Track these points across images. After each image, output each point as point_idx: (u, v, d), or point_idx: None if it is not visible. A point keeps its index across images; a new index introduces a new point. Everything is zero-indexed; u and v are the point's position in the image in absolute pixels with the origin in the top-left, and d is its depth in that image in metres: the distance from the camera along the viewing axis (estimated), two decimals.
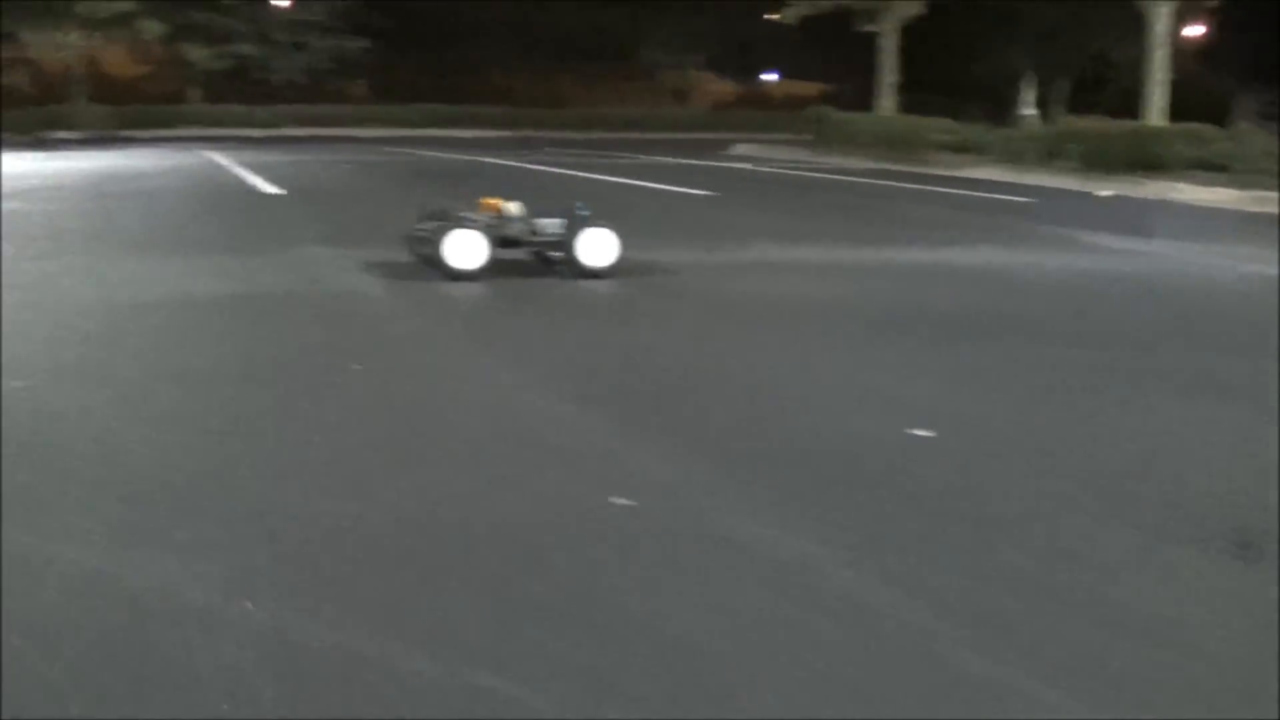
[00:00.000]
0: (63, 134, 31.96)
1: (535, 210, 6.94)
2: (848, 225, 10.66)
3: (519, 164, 19.68)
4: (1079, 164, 18.29)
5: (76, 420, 3.65)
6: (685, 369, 4.65)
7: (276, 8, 38.99)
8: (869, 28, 26.56)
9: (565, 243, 6.72)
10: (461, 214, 6.78)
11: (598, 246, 6.74)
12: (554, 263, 6.85)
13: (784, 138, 28.34)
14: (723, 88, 49.58)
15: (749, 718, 1.92)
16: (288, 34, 38.80)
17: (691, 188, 14.54)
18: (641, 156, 23.23)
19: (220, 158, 20.20)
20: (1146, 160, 17.56)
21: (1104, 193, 15.85)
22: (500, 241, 6.75)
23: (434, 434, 3.59)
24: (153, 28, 36.54)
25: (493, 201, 6.95)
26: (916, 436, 3.58)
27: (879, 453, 3.42)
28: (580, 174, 17.15)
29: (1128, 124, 19.52)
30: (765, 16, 41.70)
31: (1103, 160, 18.00)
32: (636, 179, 15.88)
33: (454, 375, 4.46)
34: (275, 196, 12.54)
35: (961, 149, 21.72)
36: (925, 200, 13.91)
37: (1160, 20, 20.36)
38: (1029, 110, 37.23)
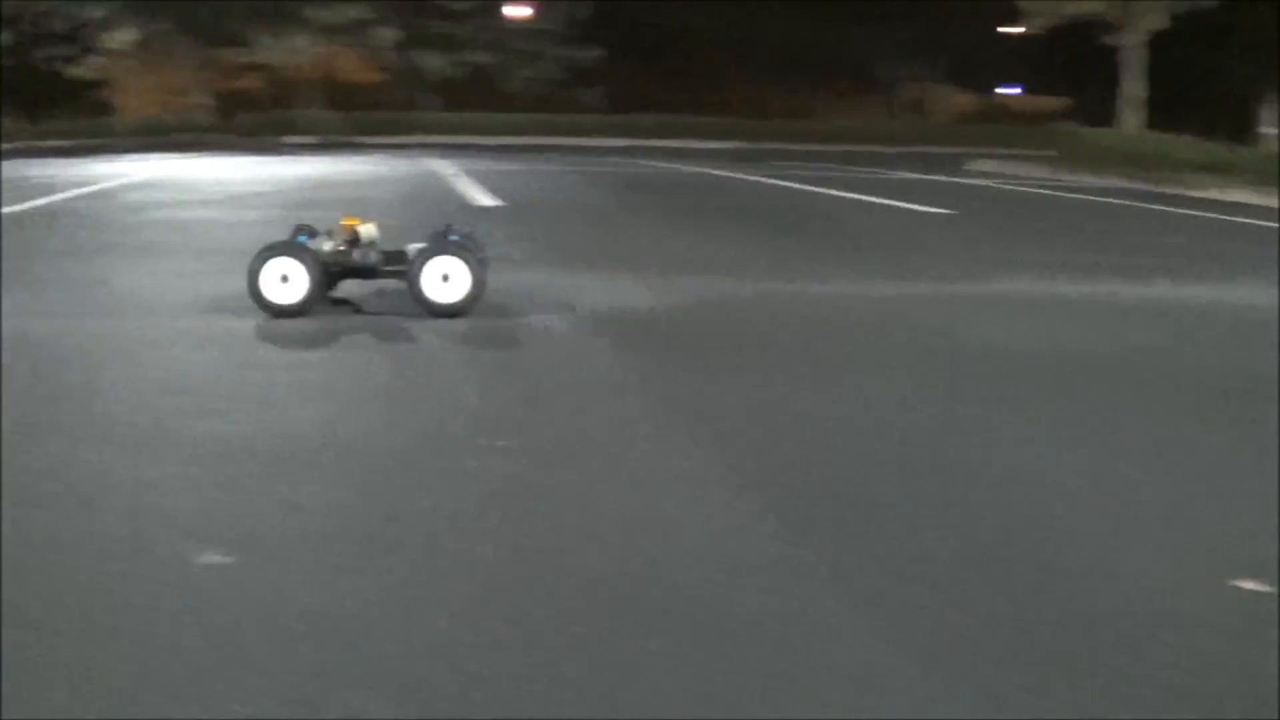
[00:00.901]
0: (294, 139, 32.26)
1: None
2: (1101, 253, 9.36)
3: (745, 176, 18.72)
4: None
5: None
6: (935, 456, 3.32)
7: (512, 16, 38.91)
8: (1113, 40, 24.87)
9: (409, 273, 5.52)
10: (296, 238, 5.71)
11: (447, 277, 5.48)
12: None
13: (1025, 153, 26.99)
14: (961, 101, 47.94)
15: None
16: (523, 43, 38.67)
17: (928, 205, 13.33)
18: (877, 171, 22.06)
19: (444, 166, 19.74)
20: None
21: None
22: (341, 271, 5.68)
23: None
24: (388, 35, 36.78)
25: (350, 222, 5.84)
26: None
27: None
28: (808, 188, 16.06)
29: None
30: (1000, 30, 40.16)
31: None
32: (870, 195, 14.69)
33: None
34: (490, 210, 11.78)
35: (1211, 169, 20.07)
36: (1180, 225, 12.54)
37: None
38: (1271, 129, 34.86)
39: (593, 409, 3.83)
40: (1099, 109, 33.45)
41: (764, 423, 3.65)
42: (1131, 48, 24.54)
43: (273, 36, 35.86)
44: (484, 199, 12.75)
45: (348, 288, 5.82)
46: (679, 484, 2.99)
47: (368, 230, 5.75)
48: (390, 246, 5.73)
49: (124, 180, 16.42)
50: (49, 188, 14.31)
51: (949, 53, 43.39)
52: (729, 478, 3.05)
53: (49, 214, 11.08)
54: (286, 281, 5.38)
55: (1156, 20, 24.25)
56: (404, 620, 2.13)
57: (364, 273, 5.70)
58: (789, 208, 13.14)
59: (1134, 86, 24.73)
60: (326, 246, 5.64)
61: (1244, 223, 12.99)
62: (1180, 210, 14.47)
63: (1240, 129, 33.88)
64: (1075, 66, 40.77)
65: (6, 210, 11.19)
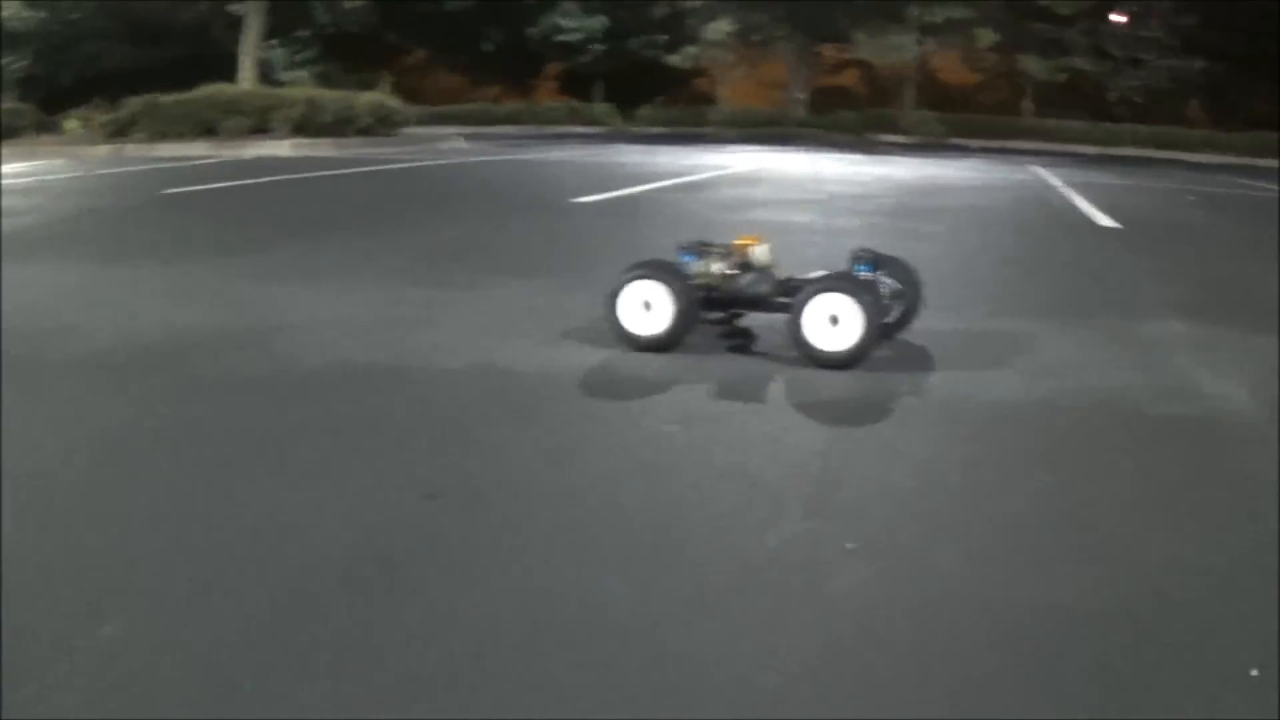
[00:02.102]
0: (889, 138, 31.62)
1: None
2: None
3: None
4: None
5: None
6: None
7: (1116, 22, 36.64)
8: None
9: (791, 309, 4.37)
10: (684, 255, 4.74)
11: (836, 319, 4.29)
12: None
13: None
14: None
15: None
16: (1125, 49, 36.33)
17: None
18: None
19: (1047, 175, 18.33)
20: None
21: None
22: (724, 299, 4.69)
23: None
24: (988, 36, 35.49)
25: (744, 241, 4.71)
26: None
27: None
28: None
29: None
30: None
31: None
32: None
33: None
34: (1110, 230, 10.39)
35: None
36: None
37: None
38: None
39: None
40: None
41: None
42: None
43: (873, 34, 35.32)
44: (1100, 218, 11.33)
45: (754, 318, 4.83)
46: None
47: (761, 252, 4.74)
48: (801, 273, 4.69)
49: (721, 172, 16.13)
50: (639, 176, 14.15)
51: None
52: None
53: (629, 206, 10.73)
54: (650, 309, 4.48)
55: None
56: None
57: (751, 304, 4.72)
58: None
59: None
60: (715, 268, 4.69)
61: None
62: None
63: None
64: None
65: (589, 199, 10.95)
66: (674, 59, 40.01)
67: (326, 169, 14.47)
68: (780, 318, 4.53)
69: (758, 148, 25.13)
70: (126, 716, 1.80)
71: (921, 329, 4.79)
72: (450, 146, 22.90)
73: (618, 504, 2.75)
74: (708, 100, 42.85)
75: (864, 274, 4.69)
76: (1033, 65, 35.97)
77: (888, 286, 4.75)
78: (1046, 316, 5.55)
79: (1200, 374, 4.45)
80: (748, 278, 4.72)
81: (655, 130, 35.83)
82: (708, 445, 3.27)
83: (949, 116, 34.91)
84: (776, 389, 4.01)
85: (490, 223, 9.30)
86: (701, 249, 4.78)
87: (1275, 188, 20.00)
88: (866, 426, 3.59)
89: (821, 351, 4.31)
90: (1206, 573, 2.47)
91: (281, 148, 19.39)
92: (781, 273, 4.76)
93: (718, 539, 2.55)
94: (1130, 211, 12.28)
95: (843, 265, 4.75)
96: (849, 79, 39.57)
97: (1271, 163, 31.03)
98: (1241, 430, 3.65)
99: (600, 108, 42.37)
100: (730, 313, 4.88)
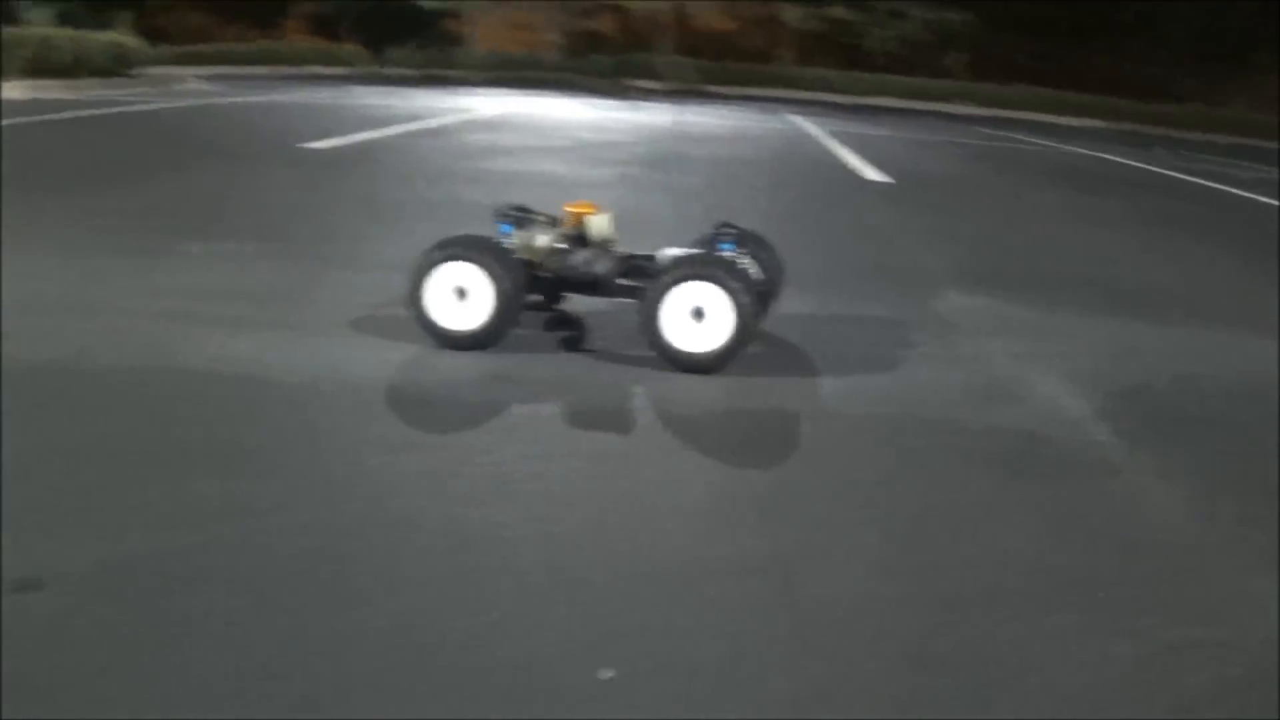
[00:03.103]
0: (645, 84, 30.77)
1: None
2: None
3: (1146, 165, 15.82)
4: None
5: None
6: None
7: None
8: None
9: (644, 299, 3.44)
10: (503, 225, 3.72)
11: (700, 312, 3.38)
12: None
13: None
14: None
15: None
16: (887, 0, 36.18)
17: None
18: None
19: (808, 125, 17.54)
20: None
21: None
22: (557, 282, 3.73)
23: None
24: None
25: (578, 209, 3.77)
26: None
27: None
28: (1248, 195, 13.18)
29: None
30: None
31: None
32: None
33: None
34: (881, 187, 9.57)
35: None
36: None
37: None
38: None
39: None
40: None
41: None
42: None
43: None
44: (871, 172, 10.50)
45: (584, 303, 3.87)
46: None
47: (599, 223, 3.74)
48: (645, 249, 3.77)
49: (467, 116, 14.96)
50: (381, 119, 12.90)
51: None
52: None
53: (365, 153, 9.47)
54: (465, 298, 3.42)
55: None
56: None
57: (589, 287, 3.71)
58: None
59: None
60: (539, 242, 3.67)
61: None
62: None
63: None
64: None
65: (321, 145, 9.69)
66: (427, 1, 38.56)
67: (49, 113, 12.75)
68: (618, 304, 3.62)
69: (508, 92, 24.01)
70: None
71: None
72: (189, 88, 21.17)
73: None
74: (458, 43, 41.48)
75: (727, 253, 3.66)
76: (791, 13, 35.51)
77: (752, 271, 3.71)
78: (834, 291, 4.72)
79: (1019, 369, 3.77)
80: (582, 254, 3.69)
81: (406, 73, 34.24)
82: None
83: (706, 64, 34.12)
84: (640, 408, 3.02)
85: (212, 173, 7.86)
86: (521, 217, 3.71)
87: (1040, 142, 19.75)
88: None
89: (679, 351, 3.38)
90: None
91: (13, 90, 17.52)
92: (623, 248, 3.77)
93: None
94: (896, 165, 11.52)
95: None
96: (605, 24, 38.54)
97: (1029, 115, 31.28)
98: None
99: (350, 49, 40.57)
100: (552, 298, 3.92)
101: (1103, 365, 3.94)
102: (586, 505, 2.32)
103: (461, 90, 23.84)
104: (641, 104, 22.00)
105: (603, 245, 3.71)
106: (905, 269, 5.53)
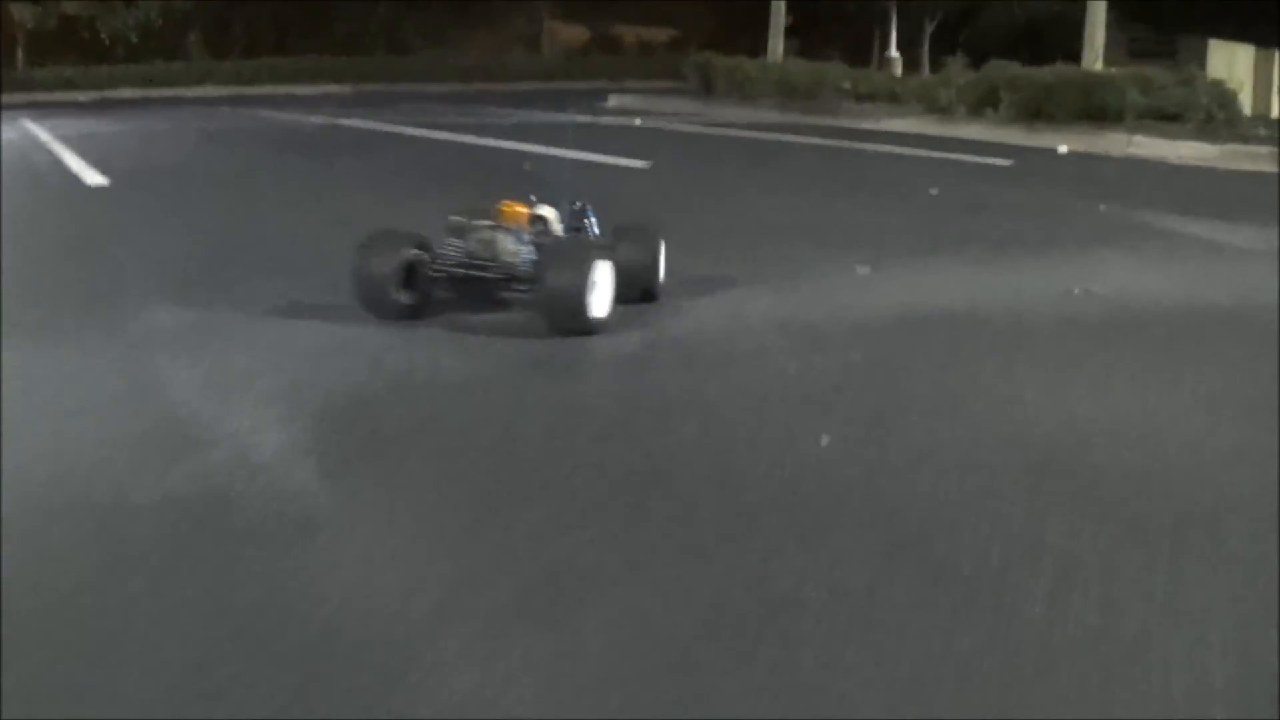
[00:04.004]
0: None
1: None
2: (877, 214, 7.84)
3: (397, 129, 16.29)
4: (1012, 115, 15.85)
5: None
6: None
7: None
8: None
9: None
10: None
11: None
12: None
13: (654, 86, 25.71)
14: (574, 33, 45.87)
15: None
16: None
17: (618, 155, 11.23)
18: (516, 113, 19.68)
19: (42, 131, 16.51)
20: (1089, 110, 15.21)
21: (1062, 149, 13.50)
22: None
23: None
24: None
25: (518, 208, 4.41)
26: None
27: None
28: (470, 140, 14.06)
29: (1066, 69, 16.83)
30: None
31: (1040, 111, 15.60)
32: (542, 143, 12.28)
33: None
34: (98, 191, 9.35)
35: (869, 98, 19.12)
36: (901, 167, 11.31)
37: None
38: (894, 53, 34.77)
39: None
40: (719, 38, 32.63)
41: None
42: None
43: None
44: (91, 175, 10.16)
45: None
46: None
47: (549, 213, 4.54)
48: None
49: None
50: None
51: None
52: None
53: None
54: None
55: None
56: None
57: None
58: (472, 169, 11.20)
59: (779, 12, 23.29)
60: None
61: (956, 160, 11.88)
62: (878, 147, 13.12)
63: (859, 55, 33.72)
64: None
65: None
66: None
67: None
68: None
69: None
70: None
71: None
72: None
73: None
74: None
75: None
76: (24, 12, 33.17)
77: None
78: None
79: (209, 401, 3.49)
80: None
81: None
82: None
83: None
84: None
85: None
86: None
87: (279, 115, 19.81)
88: None
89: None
90: None
91: None
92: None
93: None
94: (121, 162, 11.27)
95: None
96: None
97: (274, 88, 31.07)
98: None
99: None
100: None
101: (306, 375, 3.72)
102: None
103: None
104: None
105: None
106: (112, 287, 5.27)
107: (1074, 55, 18.27)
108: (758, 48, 24.40)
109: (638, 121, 17.74)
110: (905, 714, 1.80)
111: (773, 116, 18.25)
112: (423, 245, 4.35)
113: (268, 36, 37.32)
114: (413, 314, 4.32)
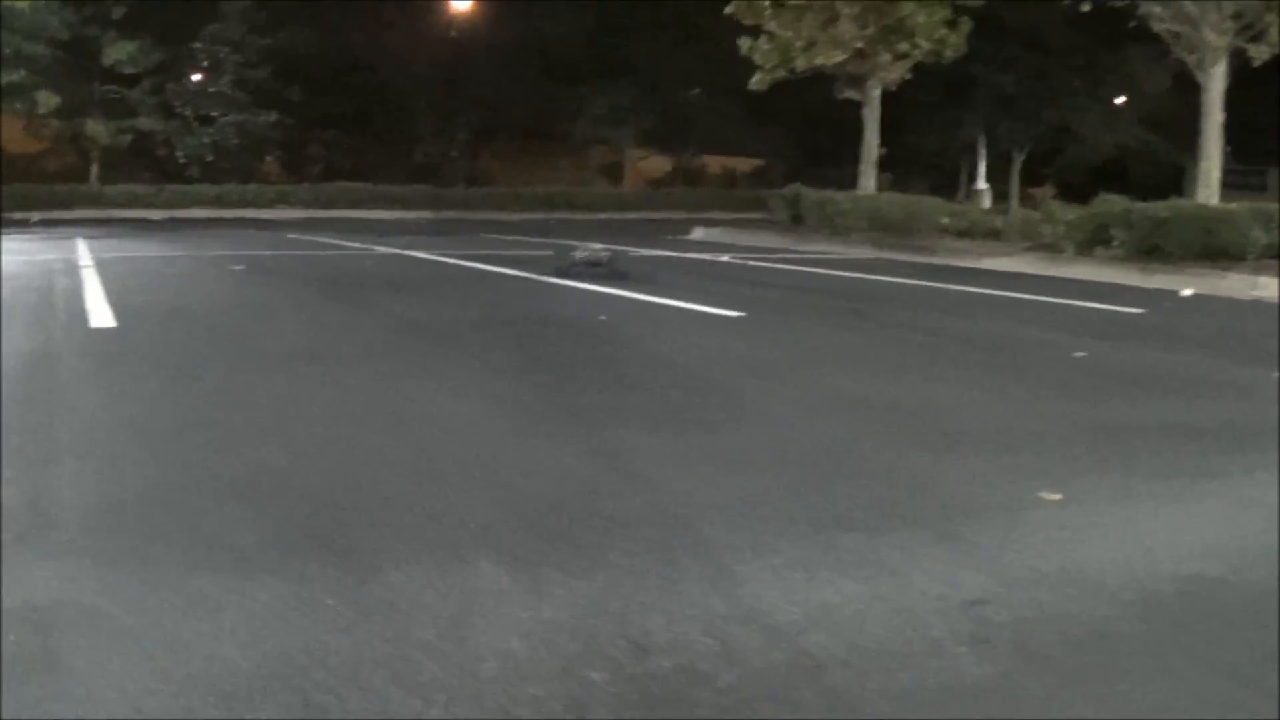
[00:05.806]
0: None
1: None
2: (1028, 394, 6.01)
3: (445, 258, 15.05)
4: (1125, 253, 14.29)
5: None
6: None
7: (190, 80, 34.24)
8: (851, 94, 22.05)
9: None
10: None
11: None
12: None
13: (741, 218, 24.59)
14: (655, 164, 44.80)
15: None
16: (194, 106, 33.97)
17: (706, 304, 9.56)
18: (595, 245, 18.25)
19: (88, 252, 15.30)
20: (1209, 248, 13.65)
21: (1185, 292, 11.96)
22: None
23: None
24: (50, 100, 31.61)
25: None
26: None
27: None
28: (552, 281, 12.48)
29: (1182, 204, 15.25)
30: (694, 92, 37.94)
31: (1155, 248, 14.02)
32: (621, 288, 10.75)
33: None
34: (96, 334, 7.93)
35: (967, 233, 17.67)
36: (1022, 316, 9.69)
37: (1215, 84, 16.14)
38: (982, 184, 33.49)
39: None
40: (797, 169, 31.45)
41: None
42: (871, 103, 21.72)
43: None
44: (103, 315, 8.72)
45: None
46: None
47: None
48: None
49: None
50: None
51: (646, 112, 39.36)
52: None
53: None
54: None
55: (899, 68, 21.55)
56: None
57: None
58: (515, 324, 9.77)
59: (872, 144, 21.94)
60: None
61: (1081, 307, 10.31)
62: (987, 290, 11.68)
63: (948, 186, 32.37)
64: (771, 126, 38.54)
65: None
66: None
67: None
68: None
69: None
70: None
71: None
72: None
73: None
74: None
75: None
76: (96, 128, 32.62)
77: None
78: None
79: None
80: None
81: None
82: None
83: (9, 188, 30.74)
84: None
85: None
86: None
87: (347, 243, 18.68)
88: None
89: None
90: None
91: None
92: None
93: None
94: (144, 297, 9.98)
95: None
96: None
97: (347, 212, 30.30)
98: None
99: None
100: None
101: None
102: None
103: None
104: None
105: None
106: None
107: (1160, 187, 16.93)
108: (843, 178, 23.30)
109: (725, 258, 16.24)
110: None
111: (866, 252, 16.86)
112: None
113: (344, 162, 36.72)
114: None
